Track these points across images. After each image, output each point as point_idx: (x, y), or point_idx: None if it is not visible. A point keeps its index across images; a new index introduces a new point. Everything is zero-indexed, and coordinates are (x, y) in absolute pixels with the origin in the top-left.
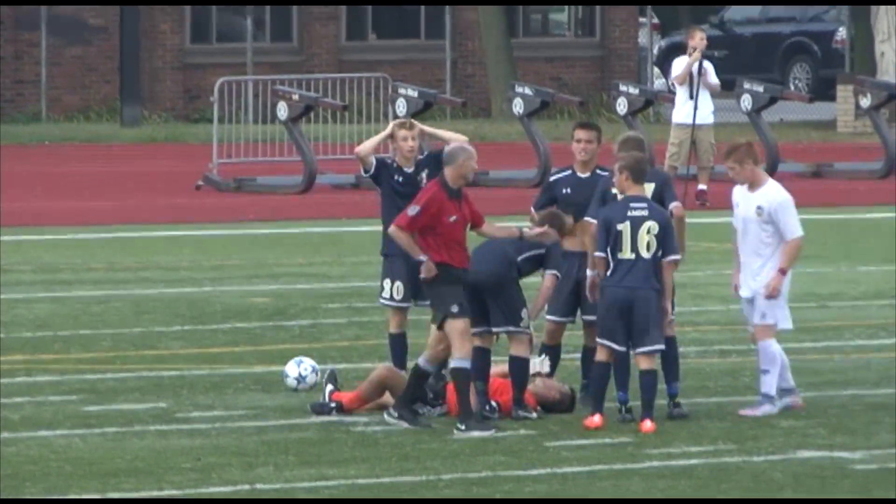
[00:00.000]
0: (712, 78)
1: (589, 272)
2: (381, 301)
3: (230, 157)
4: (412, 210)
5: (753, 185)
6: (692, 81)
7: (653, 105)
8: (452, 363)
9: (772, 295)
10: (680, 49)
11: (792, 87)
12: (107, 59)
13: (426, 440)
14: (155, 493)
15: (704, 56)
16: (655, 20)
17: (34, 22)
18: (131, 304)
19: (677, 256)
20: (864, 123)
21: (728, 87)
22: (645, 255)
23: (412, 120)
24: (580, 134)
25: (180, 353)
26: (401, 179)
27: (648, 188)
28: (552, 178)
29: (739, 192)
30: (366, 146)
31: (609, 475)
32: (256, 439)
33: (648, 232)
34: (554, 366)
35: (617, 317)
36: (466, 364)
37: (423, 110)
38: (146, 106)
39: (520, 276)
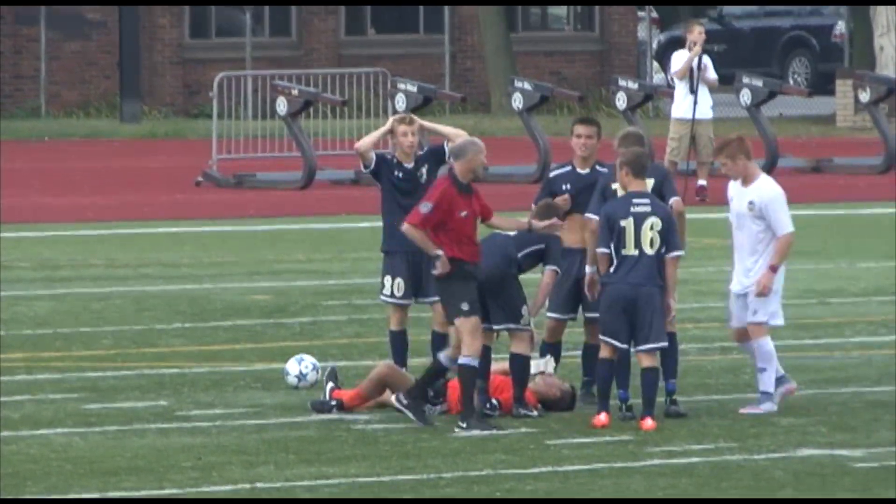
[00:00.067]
0: (711, 73)
1: (588, 269)
2: (382, 298)
3: (230, 153)
4: (424, 207)
5: (746, 179)
6: (692, 76)
7: (652, 100)
8: (460, 360)
9: (762, 293)
10: (679, 43)
11: (791, 82)
12: (106, 55)
13: (427, 438)
14: (155, 492)
15: (703, 50)
16: (654, 15)
17: (33, 17)
18: (132, 302)
19: (681, 252)
20: (864, 118)
21: (727, 82)
22: (648, 251)
23: (412, 115)
24: (580, 129)
25: (181, 350)
26: (401, 175)
27: (648, 184)
28: (552, 174)
29: (734, 188)
30: (365, 142)
31: (610, 473)
32: (257, 437)
33: (652, 228)
34: (554, 363)
35: (620, 314)
36: (474, 362)
37: (422, 105)
38: (146, 101)
39: (520, 272)
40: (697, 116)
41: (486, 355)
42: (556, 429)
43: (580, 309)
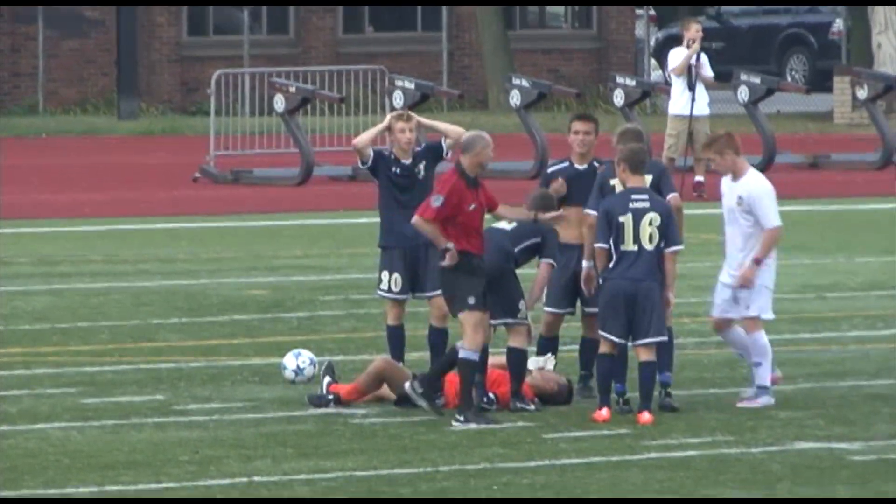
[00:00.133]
0: (707, 70)
1: (585, 263)
2: (379, 293)
3: (227, 150)
4: (436, 201)
5: (735, 175)
6: (690, 73)
7: (650, 97)
8: (461, 353)
9: (743, 284)
10: (676, 41)
11: (789, 79)
12: (104, 52)
13: (424, 432)
14: (153, 486)
15: (701, 48)
16: (652, 12)
17: (31, 15)
18: (129, 297)
19: (680, 247)
20: (861, 115)
21: (725, 79)
22: (647, 246)
23: (410, 112)
24: (578, 126)
25: (178, 345)
26: (398, 171)
27: (646, 180)
28: (549, 170)
29: (725, 183)
30: (363, 138)
31: (607, 467)
32: (254, 431)
33: (650, 224)
34: (554, 360)
35: (619, 309)
36: (474, 356)
37: (419, 102)
38: (143, 99)
39: (516, 266)
40: (695, 113)
41: (483, 349)
42: (554, 422)
43: (578, 304)
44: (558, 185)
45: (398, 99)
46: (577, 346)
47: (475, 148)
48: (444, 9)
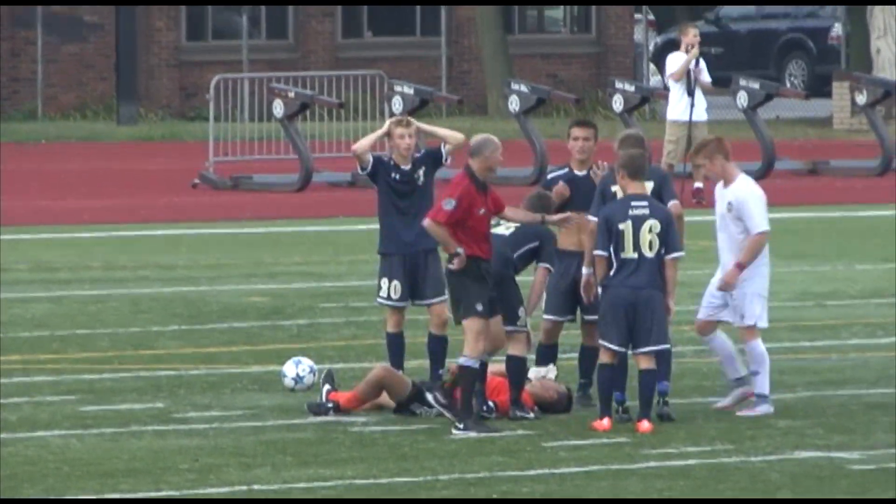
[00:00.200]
0: (705, 76)
1: (585, 270)
2: (379, 300)
3: (226, 156)
4: (448, 204)
5: (726, 181)
6: (688, 78)
7: (649, 102)
8: (461, 360)
9: (723, 288)
10: (675, 46)
11: (788, 84)
12: (103, 57)
13: (423, 440)
14: (152, 494)
15: (701, 53)
16: (651, 17)
17: (30, 20)
18: (129, 304)
19: (681, 253)
20: (861, 120)
21: (723, 85)
22: (648, 254)
23: (409, 117)
24: (577, 132)
25: (177, 352)
26: (398, 177)
27: (647, 186)
28: (549, 177)
29: (718, 189)
30: (363, 144)
31: (607, 475)
32: (254, 439)
33: (650, 231)
34: (551, 362)
35: (620, 317)
36: (475, 364)
37: (419, 108)
38: (142, 104)
39: (515, 272)
40: (693, 118)
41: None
42: (553, 431)
43: (578, 311)
44: (561, 189)
45: (397, 104)
46: (576, 355)
47: (485, 151)
48: (444, 14)
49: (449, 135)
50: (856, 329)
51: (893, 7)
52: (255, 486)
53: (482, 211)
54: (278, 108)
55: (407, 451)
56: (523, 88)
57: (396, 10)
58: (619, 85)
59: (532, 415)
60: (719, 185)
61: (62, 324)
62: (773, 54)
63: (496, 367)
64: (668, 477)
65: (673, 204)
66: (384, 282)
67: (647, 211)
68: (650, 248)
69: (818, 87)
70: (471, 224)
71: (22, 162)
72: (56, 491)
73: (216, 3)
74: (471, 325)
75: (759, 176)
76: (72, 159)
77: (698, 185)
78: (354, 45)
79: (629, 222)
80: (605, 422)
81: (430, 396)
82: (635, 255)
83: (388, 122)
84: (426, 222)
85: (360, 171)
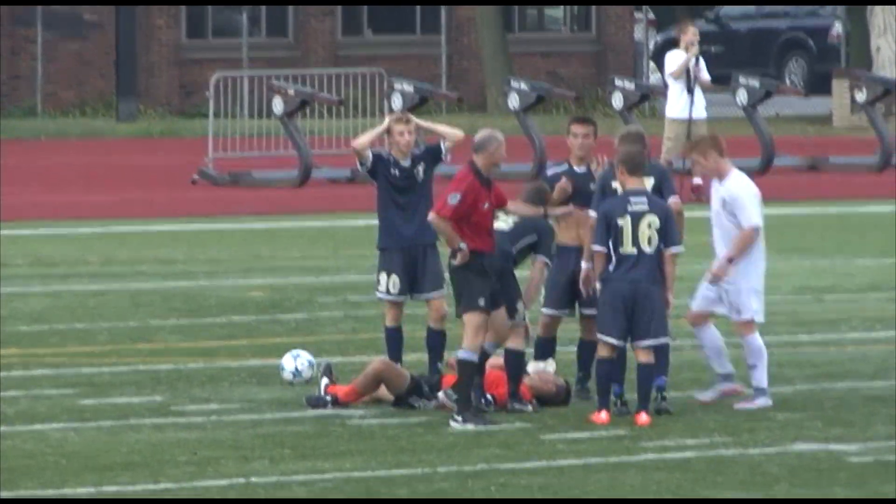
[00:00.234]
0: (704, 74)
1: (584, 264)
2: (378, 295)
3: (226, 152)
4: (453, 199)
5: (720, 177)
6: (688, 76)
7: (648, 100)
8: (460, 354)
9: (712, 281)
10: (675, 44)
11: (787, 82)
12: (103, 55)
13: (421, 433)
14: (151, 487)
15: (700, 51)
16: (651, 16)
17: (30, 17)
18: (127, 298)
19: (680, 248)
20: (860, 118)
21: (724, 82)
22: (647, 249)
23: (409, 114)
24: (577, 129)
25: (176, 346)
26: (397, 173)
27: (647, 182)
28: (549, 173)
29: (713, 186)
30: (362, 140)
31: (605, 468)
32: (252, 433)
33: (649, 226)
34: (549, 356)
35: (619, 311)
36: (473, 357)
37: (418, 105)
38: (142, 101)
39: (514, 265)
40: (693, 116)
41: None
42: (551, 424)
43: (577, 306)
44: (564, 185)
45: (397, 101)
46: (574, 348)
47: (489, 147)
48: (443, 11)
49: (448, 131)
50: (854, 323)
51: (893, 6)
52: (254, 479)
53: (486, 205)
54: (278, 105)
55: (405, 444)
56: (523, 86)
57: (396, 8)
58: (618, 82)
59: (530, 408)
60: (714, 181)
61: (61, 318)
62: (773, 53)
63: (494, 360)
64: (667, 469)
65: (673, 200)
66: (383, 276)
67: (645, 206)
68: (649, 243)
69: (818, 86)
70: (475, 219)
71: (22, 158)
72: (54, 484)
73: (216, 4)
74: (471, 319)
75: (759, 172)
76: (71, 156)
77: (697, 180)
78: (354, 43)
79: (628, 218)
80: (603, 415)
81: (441, 394)
82: (634, 251)
83: (387, 118)
84: (431, 216)
85: (359, 167)
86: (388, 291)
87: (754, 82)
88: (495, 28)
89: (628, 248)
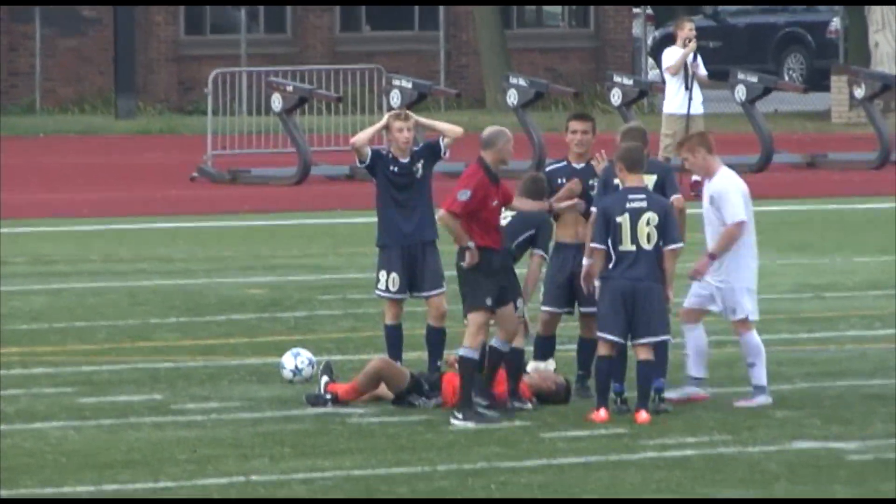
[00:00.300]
0: (701, 69)
1: (585, 261)
2: (377, 292)
3: (224, 149)
4: (463, 195)
5: (709, 174)
6: (686, 72)
7: (647, 96)
8: (461, 351)
9: (693, 276)
10: (673, 40)
11: (786, 78)
12: (101, 51)
13: (421, 431)
14: (150, 485)
15: (697, 47)
16: (650, 11)
17: (29, 14)
18: (127, 296)
19: (679, 245)
20: (859, 114)
21: (722, 78)
22: (646, 246)
23: (408, 111)
24: (575, 125)
25: (176, 344)
26: (396, 170)
27: (650, 179)
28: (548, 169)
29: (705, 184)
30: (361, 137)
31: (605, 466)
32: (252, 431)
33: (648, 223)
34: (549, 356)
35: (619, 309)
36: (475, 354)
37: (417, 101)
38: (140, 98)
39: (514, 261)
40: (691, 112)
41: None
42: (551, 422)
43: (576, 304)
44: (573, 185)
45: (395, 98)
46: (574, 346)
47: (498, 143)
48: (442, 8)
49: (447, 128)
50: (853, 321)
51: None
52: (254, 478)
53: (495, 202)
54: (276, 102)
55: (405, 442)
56: (521, 82)
57: (394, 5)
58: (617, 79)
59: (530, 405)
60: (706, 179)
61: (60, 316)
62: (771, 48)
63: None
64: (667, 468)
65: (676, 198)
66: (382, 274)
67: (644, 204)
68: (648, 240)
69: (817, 81)
70: (485, 215)
71: (20, 155)
72: (54, 482)
73: (215, 3)
74: (475, 317)
75: (758, 169)
76: (70, 153)
77: (696, 177)
78: (352, 40)
79: (626, 215)
80: (602, 412)
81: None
82: (633, 248)
83: (386, 115)
84: (440, 213)
85: (358, 164)
86: (387, 289)
87: (753, 78)
88: (494, 24)
89: (627, 245)
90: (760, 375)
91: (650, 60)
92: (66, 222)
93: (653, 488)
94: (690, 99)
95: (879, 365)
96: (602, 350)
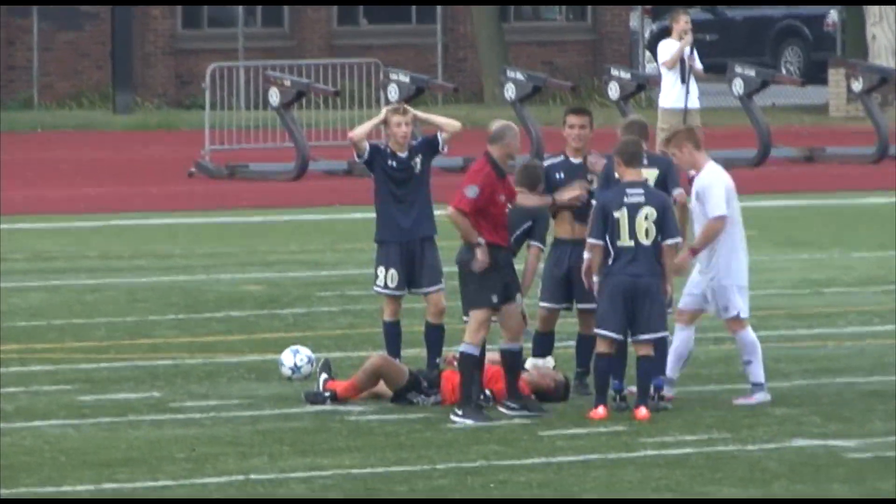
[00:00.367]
0: (697, 63)
1: (586, 255)
2: (376, 289)
3: (222, 144)
4: (471, 192)
5: (697, 170)
6: (682, 66)
7: (644, 89)
8: (462, 347)
9: (675, 273)
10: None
11: (784, 71)
12: (99, 45)
13: (420, 429)
14: (149, 484)
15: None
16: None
17: (26, 8)
18: (125, 293)
19: (678, 240)
20: (857, 107)
21: (719, 72)
22: (644, 241)
23: (406, 105)
24: (573, 120)
25: (174, 341)
26: (394, 165)
27: (652, 174)
28: (546, 164)
29: (694, 180)
30: (359, 131)
31: (603, 464)
32: (250, 429)
33: (646, 218)
34: (548, 353)
35: (619, 306)
36: (476, 351)
37: (414, 96)
38: (138, 92)
39: (513, 255)
40: (688, 106)
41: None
42: (550, 420)
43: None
44: (579, 194)
45: (393, 92)
46: (573, 343)
47: (505, 138)
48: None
49: (445, 122)
50: (852, 317)
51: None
52: (252, 476)
53: (503, 198)
54: (274, 96)
55: (404, 439)
56: (519, 76)
57: (392, 5)
58: (614, 72)
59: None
60: (695, 175)
61: (59, 313)
62: (768, 41)
63: (493, 355)
64: (666, 466)
65: (679, 193)
66: (381, 270)
67: (642, 199)
68: (646, 235)
69: (814, 74)
70: (492, 211)
71: (18, 151)
72: (53, 481)
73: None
74: (478, 314)
75: (756, 163)
76: (68, 148)
77: (693, 172)
78: (350, 33)
79: (624, 210)
80: (601, 410)
81: (501, 408)
82: (631, 243)
83: (384, 109)
84: (449, 211)
85: (356, 158)
86: (386, 286)
87: (750, 72)
88: (491, 18)
89: (625, 240)
90: (758, 372)
91: (648, 54)
92: (63, 218)
93: (652, 486)
94: (687, 93)
95: (878, 361)
96: (601, 347)
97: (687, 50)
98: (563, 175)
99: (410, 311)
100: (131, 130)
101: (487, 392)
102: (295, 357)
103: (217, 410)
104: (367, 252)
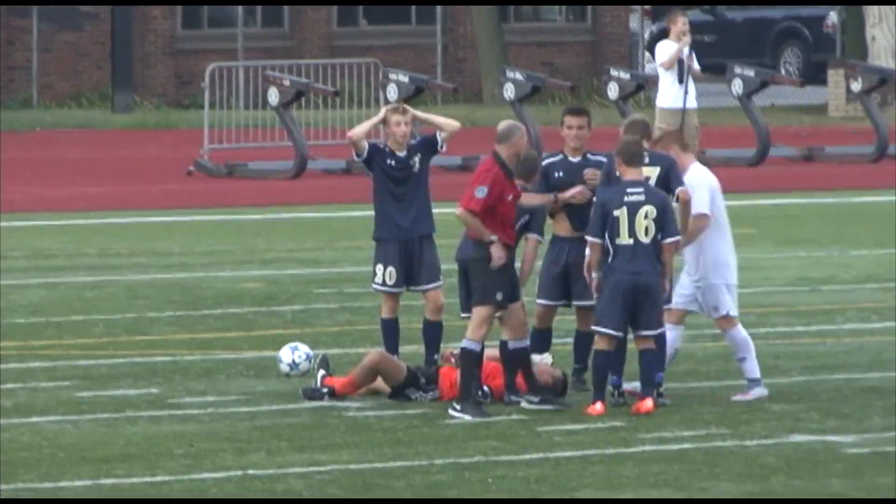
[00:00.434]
0: (695, 64)
1: (588, 251)
2: (374, 286)
3: (221, 143)
4: (480, 192)
5: (683, 171)
6: (681, 66)
7: (644, 90)
8: (463, 343)
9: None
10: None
11: (783, 72)
12: (98, 45)
13: (418, 425)
14: (148, 479)
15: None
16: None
17: (26, 8)
18: (124, 290)
19: (677, 237)
20: (856, 108)
21: (719, 72)
22: (643, 239)
23: (405, 105)
24: (571, 120)
25: (173, 338)
26: (393, 164)
27: (654, 172)
28: (545, 163)
29: None
30: (358, 130)
31: (601, 460)
32: (249, 425)
33: (646, 217)
34: (545, 349)
35: (619, 303)
36: (476, 347)
37: (414, 95)
38: (137, 92)
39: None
40: (686, 106)
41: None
42: (548, 416)
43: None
44: (591, 174)
45: (392, 92)
46: (571, 339)
47: (513, 137)
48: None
49: (444, 122)
50: (850, 314)
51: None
52: (250, 471)
53: (511, 197)
54: (273, 95)
55: (402, 435)
56: (518, 76)
57: (392, 5)
58: (614, 72)
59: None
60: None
61: (58, 310)
62: (768, 42)
63: (491, 351)
64: (664, 461)
65: (681, 190)
66: (379, 268)
67: (642, 197)
68: (646, 233)
69: (814, 75)
70: (501, 210)
71: (17, 150)
72: (51, 477)
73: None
74: (482, 311)
75: (755, 163)
76: (67, 147)
77: None
78: (349, 34)
79: (624, 209)
80: (598, 406)
81: (524, 403)
82: (631, 241)
83: (383, 109)
84: (459, 212)
85: (355, 157)
86: (384, 283)
87: (749, 72)
88: (490, 18)
89: (625, 238)
90: (752, 368)
91: (647, 54)
92: (63, 216)
93: (650, 482)
94: (686, 93)
95: (876, 358)
96: (600, 344)
97: (685, 50)
98: (561, 174)
99: (409, 308)
100: (130, 130)
101: (486, 388)
102: (293, 354)
103: (215, 406)
104: (365, 250)
